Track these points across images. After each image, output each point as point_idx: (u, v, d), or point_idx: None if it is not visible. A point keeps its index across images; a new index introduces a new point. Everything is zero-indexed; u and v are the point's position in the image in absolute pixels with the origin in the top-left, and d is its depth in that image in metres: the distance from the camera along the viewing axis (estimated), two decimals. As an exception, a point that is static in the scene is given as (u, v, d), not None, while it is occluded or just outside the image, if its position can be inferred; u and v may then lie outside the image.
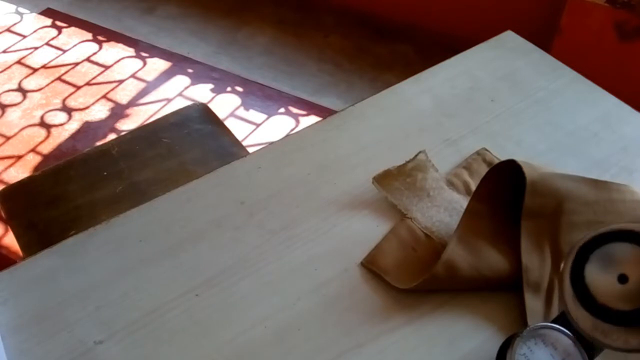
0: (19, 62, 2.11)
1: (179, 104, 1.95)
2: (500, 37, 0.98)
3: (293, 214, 0.72)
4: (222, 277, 0.66)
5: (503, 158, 0.71)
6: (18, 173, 1.74)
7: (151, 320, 0.62)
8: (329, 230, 0.71)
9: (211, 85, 2.03)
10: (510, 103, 0.87)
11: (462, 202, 0.72)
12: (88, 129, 1.88)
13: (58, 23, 2.28)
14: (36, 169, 1.76)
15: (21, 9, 2.34)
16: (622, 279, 0.46)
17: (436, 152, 0.79)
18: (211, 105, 1.29)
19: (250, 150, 1.03)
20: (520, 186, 0.66)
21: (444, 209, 0.72)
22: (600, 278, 0.47)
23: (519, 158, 0.67)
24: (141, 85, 2.02)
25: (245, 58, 2.13)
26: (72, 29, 2.25)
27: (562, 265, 0.49)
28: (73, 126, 1.88)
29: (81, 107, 1.95)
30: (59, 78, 2.05)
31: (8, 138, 1.85)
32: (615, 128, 0.83)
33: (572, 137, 0.82)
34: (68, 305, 0.63)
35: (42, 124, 1.89)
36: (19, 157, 1.79)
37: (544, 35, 1.65)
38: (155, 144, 1.14)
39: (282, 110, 1.95)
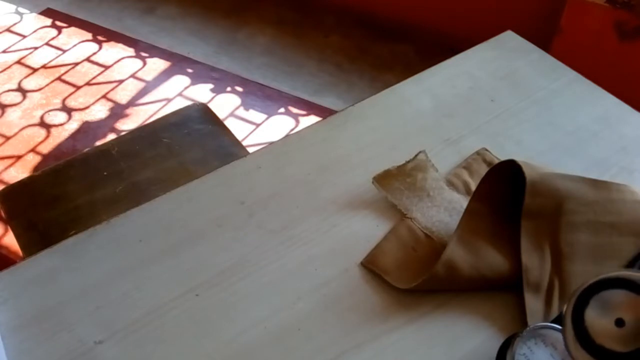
0: (19, 62, 2.11)
1: (179, 104, 1.95)
2: (500, 37, 0.98)
3: (293, 214, 0.72)
4: (222, 277, 0.66)
5: (503, 158, 0.71)
6: (18, 173, 1.74)
7: (151, 320, 0.62)
8: (329, 230, 0.71)
9: (211, 85, 2.03)
10: (510, 103, 0.87)
11: (462, 202, 0.72)
12: (88, 129, 1.88)
13: (58, 23, 2.28)
14: (36, 169, 1.76)
15: (21, 9, 2.34)
16: (619, 322, 0.50)
17: (436, 152, 0.79)
18: (211, 105, 1.29)
19: (250, 150, 1.03)
20: (520, 186, 0.66)
21: (444, 209, 0.72)
22: (598, 321, 0.51)
23: (519, 158, 0.67)
24: (141, 85, 2.02)
25: (245, 58, 2.13)
26: (72, 29, 2.25)
27: (564, 308, 0.52)
28: (73, 126, 1.88)
29: (81, 107, 1.95)
30: (59, 78, 2.05)
31: (8, 138, 1.85)
32: (615, 128, 0.83)
33: (572, 137, 0.82)
34: (68, 305, 0.63)
35: (42, 124, 1.89)
36: (19, 157, 1.79)
37: (544, 35, 1.65)
38: (155, 144, 1.14)
39: (282, 110, 1.95)
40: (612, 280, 0.51)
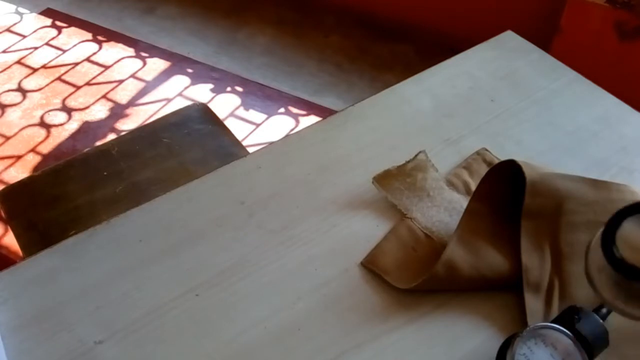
0: (19, 62, 2.11)
1: (179, 104, 1.95)
2: (500, 37, 0.98)
3: (293, 214, 0.72)
4: (222, 277, 0.66)
5: (503, 158, 0.71)
6: (18, 173, 1.74)
7: (151, 320, 0.62)
8: (329, 230, 0.71)
9: (211, 85, 2.03)
10: (510, 103, 0.87)
11: (462, 202, 0.72)
12: (88, 129, 1.88)
13: (58, 23, 2.28)
14: (36, 169, 1.76)
15: (21, 9, 2.34)
16: None
17: (436, 152, 0.79)
18: (211, 105, 1.29)
19: (250, 150, 1.03)
20: (520, 186, 0.66)
21: (444, 209, 0.72)
22: (631, 239, 0.47)
23: (519, 158, 0.67)
24: (141, 85, 2.02)
25: (245, 58, 2.13)
26: (72, 29, 2.25)
27: (592, 239, 0.49)
28: (73, 126, 1.88)
29: (81, 107, 1.95)
30: (59, 78, 2.05)
31: (8, 138, 1.85)
32: (615, 128, 0.83)
33: (572, 137, 0.82)
34: (68, 305, 0.63)
35: (42, 124, 1.89)
36: (19, 157, 1.79)
37: (544, 35, 1.65)
38: (155, 144, 1.14)
39: (282, 110, 1.95)
40: None
